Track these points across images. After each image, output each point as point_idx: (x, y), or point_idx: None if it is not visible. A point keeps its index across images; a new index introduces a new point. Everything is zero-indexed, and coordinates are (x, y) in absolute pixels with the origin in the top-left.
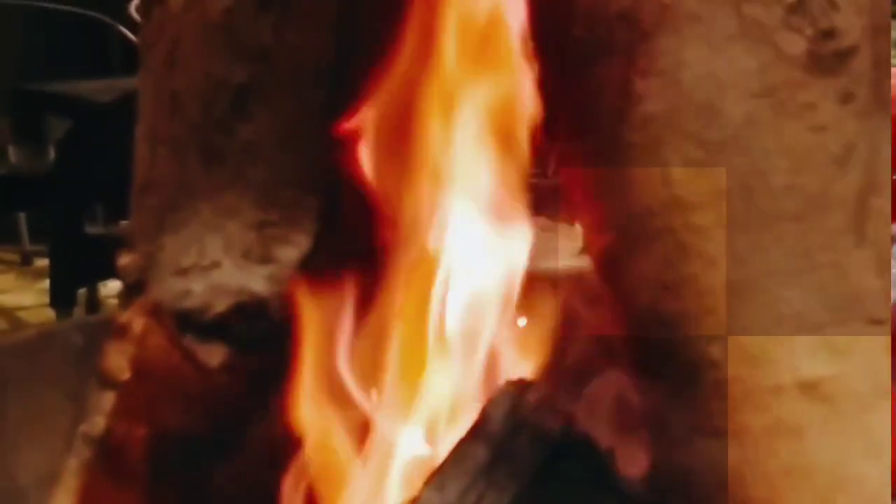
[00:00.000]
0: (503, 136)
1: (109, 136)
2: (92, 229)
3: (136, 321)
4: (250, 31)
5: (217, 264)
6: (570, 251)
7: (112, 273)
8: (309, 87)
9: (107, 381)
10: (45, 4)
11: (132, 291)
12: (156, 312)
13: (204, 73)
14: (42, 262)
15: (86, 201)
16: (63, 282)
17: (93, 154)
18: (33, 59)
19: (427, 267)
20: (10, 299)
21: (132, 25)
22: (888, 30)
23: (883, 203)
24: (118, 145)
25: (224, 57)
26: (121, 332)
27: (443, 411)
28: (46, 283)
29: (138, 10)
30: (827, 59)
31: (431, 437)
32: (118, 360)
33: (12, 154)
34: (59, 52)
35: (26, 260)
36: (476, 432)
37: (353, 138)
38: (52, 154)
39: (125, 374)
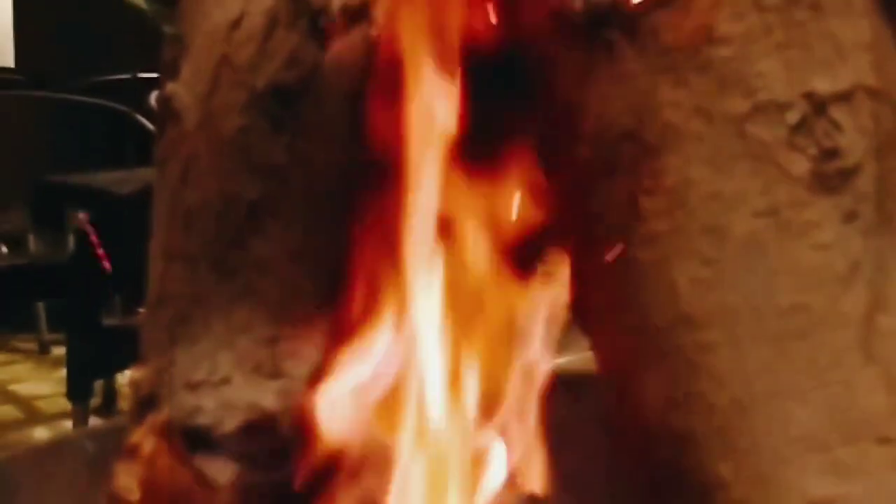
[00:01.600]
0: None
1: (128, 227)
2: (109, 320)
3: (147, 442)
4: (264, 149)
5: (227, 380)
6: None
7: (128, 364)
8: (320, 202)
9: (117, 501)
10: (66, 96)
11: (144, 406)
12: (166, 432)
13: (217, 190)
14: (59, 351)
15: (104, 292)
16: (80, 374)
17: (112, 246)
18: (53, 150)
19: None
20: (27, 388)
21: (151, 116)
22: (891, 146)
23: (890, 321)
24: (137, 237)
25: (237, 174)
26: (131, 452)
27: None
28: (63, 372)
29: (157, 101)
30: (831, 178)
31: None
32: (128, 481)
33: (32, 244)
34: (78, 142)
35: (44, 348)
36: None
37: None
38: (71, 244)
39: (134, 495)
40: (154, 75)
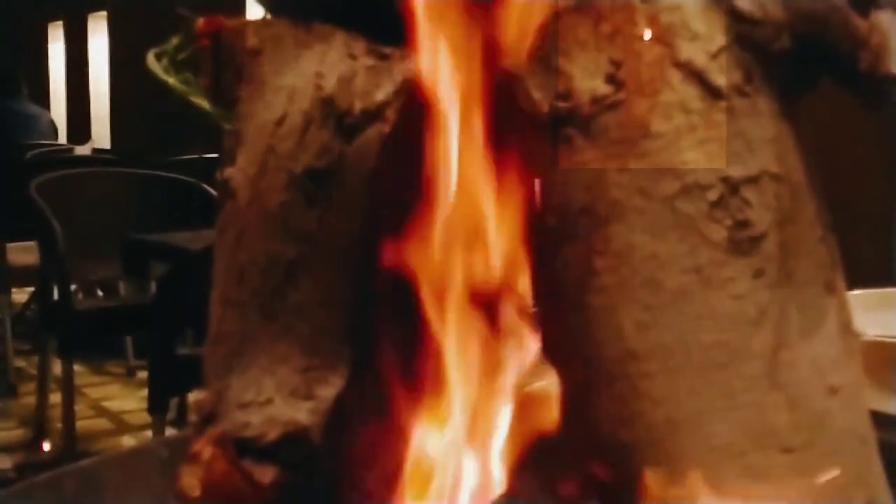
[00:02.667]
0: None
1: (199, 277)
2: (182, 350)
3: (206, 450)
4: (299, 219)
5: (270, 401)
6: None
7: (196, 386)
8: (343, 261)
9: (182, 498)
10: (149, 172)
11: (205, 422)
12: (221, 442)
13: (263, 251)
14: (143, 375)
15: (178, 328)
16: (158, 393)
17: (185, 291)
18: (139, 214)
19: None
20: (116, 405)
21: (216, 187)
22: (791, 220)
23: (791, 355)
24: (205, 285)
25: (279, 239)
26: (193, 458)
27: None
28: (146, 392)
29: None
30: (743, 243)
31: None
32: (191, 481)
33: (122, 289)
34: (159, 207)
35: (130, 373)
36: None
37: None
38: (153, 290)
39: (196, 492)
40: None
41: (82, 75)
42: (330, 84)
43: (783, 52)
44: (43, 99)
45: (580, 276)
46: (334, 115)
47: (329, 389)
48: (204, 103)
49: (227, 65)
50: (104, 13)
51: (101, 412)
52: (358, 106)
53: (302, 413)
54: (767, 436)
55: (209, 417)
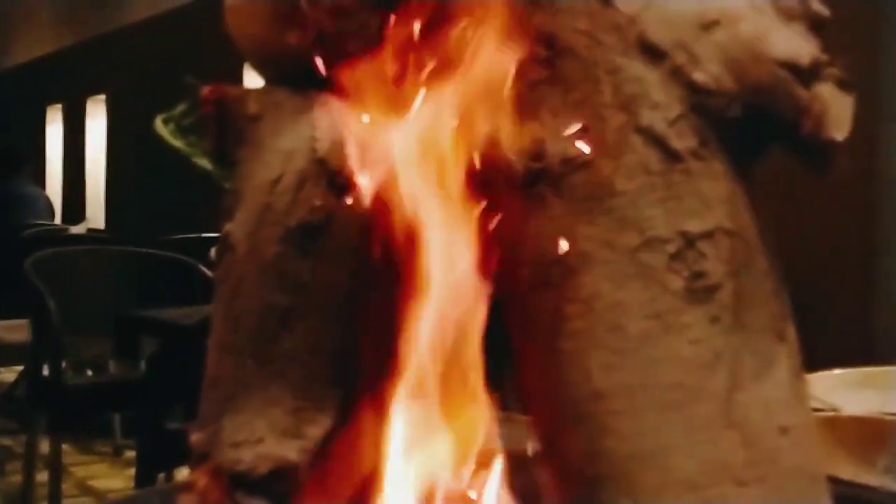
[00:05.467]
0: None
1: (190, 352)
2: (172, 425)
3: (201, 480)
4: (294, 270)
5: (262, 440)
6: None
7: (187, 461)
8: (334, 310)
9: None
10: (143, 250)
11: (199, 459)
12: (215, 474)
13: (259, 300)
14: (130, 454)
15: (168, 402)
16: (147, 467)
17: (176, 366)
18: (133, 293)
19: None
20: (102, 483)
21: (212, 266)
22: (744, 272)
23: (744, 397)
24: (196, 359)
25: (274, 288)
26: (189, 487)
27: None
28: (132, 471)
29: (216, 247)
30: (699, 292)
31: None
32: None
33: (112, 367)
34: (153, 286)
35: (118, 452)
36: None
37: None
38: (143, 367)
39: None
40: (213, 234)
41: (79, 157)
42: (323, 147)
43: (735, 120)
44: (39, 180)
45: (552, 322)
46: (327, 175)
47: (317, 429)
48: (207, 164)
49: (229, 129)
50: (103, 96)
51: (87, 491)
52: (348, 167)
53: (291, 451)
54: (723, 470)
55: (204, 455)
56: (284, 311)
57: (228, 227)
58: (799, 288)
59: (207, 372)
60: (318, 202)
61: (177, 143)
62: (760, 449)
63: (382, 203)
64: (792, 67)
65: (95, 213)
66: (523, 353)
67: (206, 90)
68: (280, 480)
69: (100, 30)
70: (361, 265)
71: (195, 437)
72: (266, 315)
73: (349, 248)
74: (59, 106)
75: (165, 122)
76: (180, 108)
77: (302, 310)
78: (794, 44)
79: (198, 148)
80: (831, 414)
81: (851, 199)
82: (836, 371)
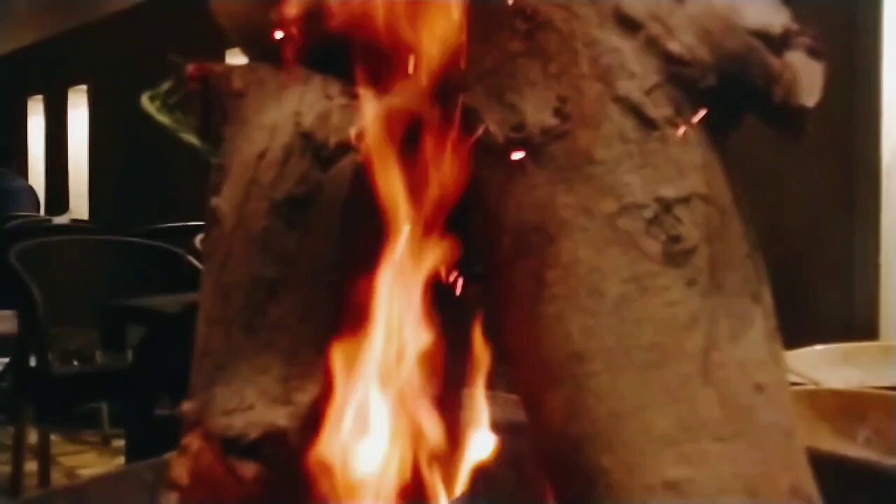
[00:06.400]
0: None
1: (176, 339)
2: (161, 411)
3: (194, 443)
4: (280, 243)
5: (252, 406)
6: None
7: (176, 447)
8: (320, 280)
9: (172, 485)
10: (130, 239)
11: (191, 427)
12: (208, 437)
13: (247, 272)
14: (118, 443)
15: (156, 390)
16: (136, 455)
17: (163, 353)
18: (119, 282)
19: None
20: (91, 472)
21: (196, 254)
22: (719, 237)
23: (721, 356)
24: (182, 346)
25: (261, 261)
26: (182, 450)
27: None
28: (121, 460)
29: (202, 242)
30: (675, 256)
31: None
32: (180, 470)
33: (99, 357)
34: (138, 275)
35: (106, 441)
36: None
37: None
38: (129, 358)
39: (185, 481)
40: (196, 223)
41: (61, 149)
42: (308, 121)
43: (709, 89)
44: (22, 172)
45: (533, 288)
46: (312, 148)
47: (306, 396)
48: (194, 140)
49: (215, 106)
50: (84, 87)
51: (76, 480)
52: (333, 140)
53: (281, 417)
54: (701, 427)
55: (196, 424)
56: (272, 283)
57: (215, 201)
58: (780, 269)
59: (197, 344)
60: (303, 176)
61: (163, 119)
62: (737, 406)
63: (365, 175)
64: (763, 37)
65: (78, 204)
66: (506, 319)
67: (190, 67)
68: (271, 445)
69: (80, 20)
70: (344, 235)
71: (187, 407)
72: (254, 287)
73: (334, 220)
74: (41, 97)
75: (151, 98)
76: (166, 85)
77: (289, 281)
78: (765, 14)
79: (184, 124)
80: (812, 388)
81: (831, 181)
82: (818, 347)
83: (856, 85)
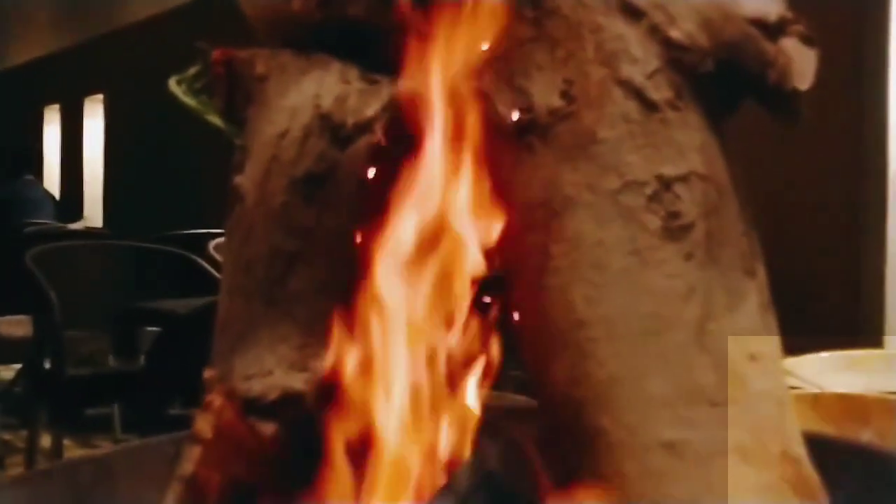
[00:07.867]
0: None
1: (188, 340)
2: (174, 411)
3: (217, 400)
4: (299, 217)
5: (271, 372)
6: None
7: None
8: (337, 253)
9: (195, 439)
10: (141, 244)
11: (213, 389)
12: (230, 395)
13: (267, 246)
14: None
15: (169, 393)
16: None
17: (175, 354)
18: (133, 287)
19: None
20: None
21: (211, 260)
22: (716, 214)
23: (716, 326)
24: (195, 347)
25: (281, 235)
26: (206, 406)
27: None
28: None
29: (216, 248)
30: (674, 231)
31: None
32: (204, 425)
33: (111, 361)
34: (153, 280)
35: (117, 446)
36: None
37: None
38: (142, 360)
39: (208, 435)
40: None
41: (77, 157)
42: (327, 103)
43: (708, 74)
44: (37, 180)
45: (540, 261)
46: (330, 128)
47: (321, 363)
48: (218, 122)
49: (238, 89)
50: (100, 96)
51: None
52: (350, 121)
53: (298, 381)
54: (696, 392)
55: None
56: (291, 256)
57: (238, 179)
58: (787, 276)
59: (219, 315)
60: (321, 154)
61: (189, 101)
62: (731, 373)
63: (381, 154)
64: (760, 24)
65: (93, 212)
66: (514, 291)
67: (216, 53)
68: (288, 406)
69: (97, 30)
70: (361, 211)
71: (208, 373)
72: (274, 259)
73: (351, 196)
74: (57, 106)
75: (178, 82)
76: (192, 69)
77: (307, 254)
78: (761, 3)
79: (209, 107)
80: (816, 391)
81: (838, 189)
82: (823, 354)
83: (863, 93)
